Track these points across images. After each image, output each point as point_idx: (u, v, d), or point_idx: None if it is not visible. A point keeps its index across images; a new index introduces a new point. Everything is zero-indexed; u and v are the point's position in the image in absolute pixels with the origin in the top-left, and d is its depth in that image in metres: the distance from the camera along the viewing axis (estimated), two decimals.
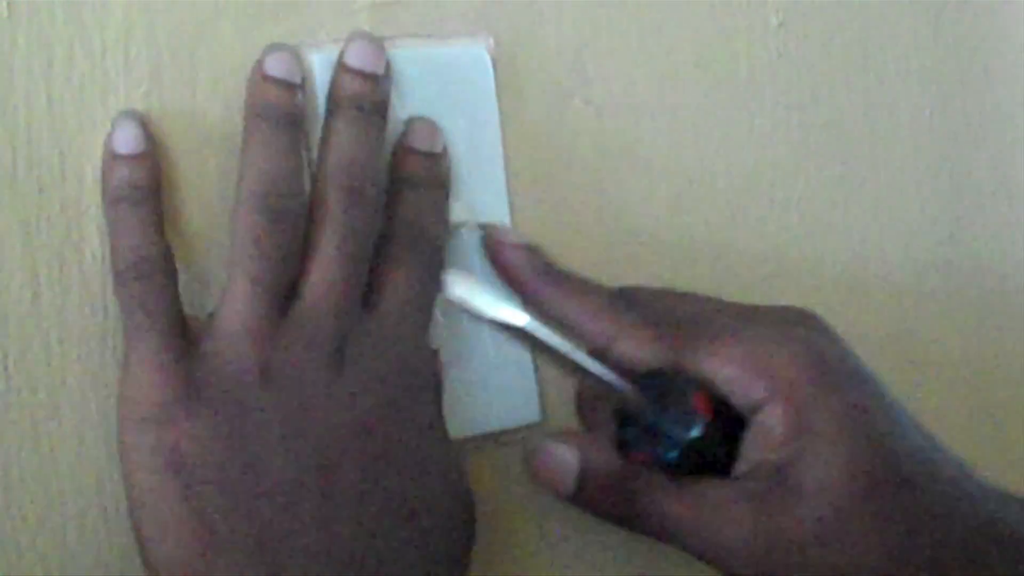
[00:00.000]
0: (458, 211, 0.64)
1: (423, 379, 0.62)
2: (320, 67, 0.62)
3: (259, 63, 0.60)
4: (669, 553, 0.73)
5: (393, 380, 0.60)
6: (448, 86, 0.65)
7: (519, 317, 0.55)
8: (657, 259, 0.72)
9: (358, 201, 0.60)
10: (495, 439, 0.67)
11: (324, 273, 0.59)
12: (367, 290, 0.61)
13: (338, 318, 0.59)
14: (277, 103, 0.59)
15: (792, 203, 0.77)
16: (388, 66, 0.62)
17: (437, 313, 0.64)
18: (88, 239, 0.58)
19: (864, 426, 0.57)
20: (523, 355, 0.68)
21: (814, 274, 0.77)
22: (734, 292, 0.73)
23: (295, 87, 0.60)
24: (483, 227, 0.64)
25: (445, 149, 0.65)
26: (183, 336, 0.57)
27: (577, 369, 0.58)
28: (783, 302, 0.72)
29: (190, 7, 0.60)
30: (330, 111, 0.61)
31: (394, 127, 0.63)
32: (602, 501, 0.60)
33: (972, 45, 0.84)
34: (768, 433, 0.57)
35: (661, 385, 0.59)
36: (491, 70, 0.66)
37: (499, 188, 0.67)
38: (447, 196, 0.65)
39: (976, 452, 0.83)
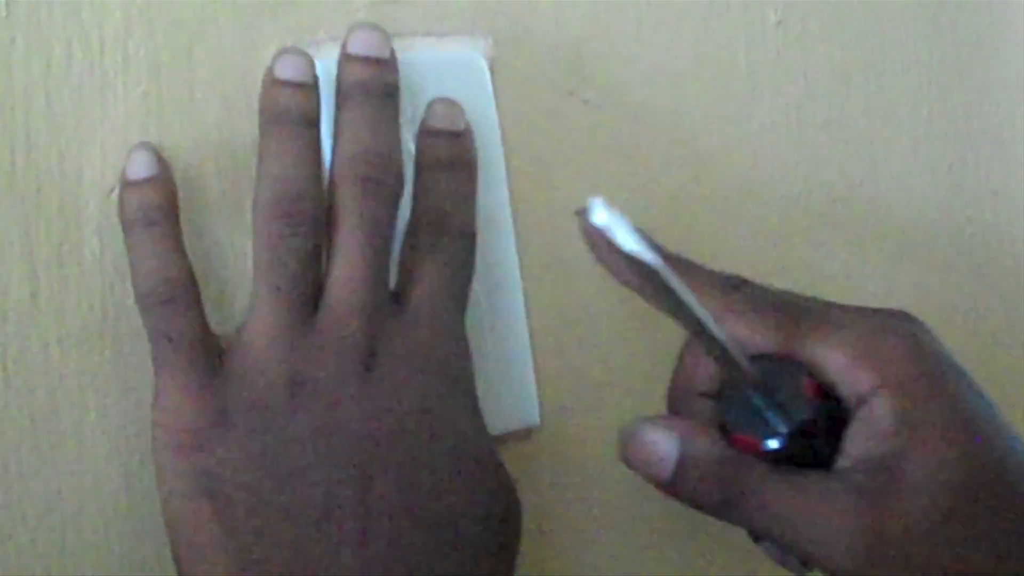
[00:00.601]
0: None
1: (459, 375, 0.60)
2: (320, 75, 0.61)
3: (269, 68, 0.59)
4: (669, 554, 0.73)
5: (428, 379, 0.58)
6: (446, 89, 0.65)
7: (655, 258, 0.54)
8: None
9: (376, 190, 0.58)
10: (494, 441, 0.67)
11: (348, 271, 0.57)
12: (397, 283, 0.60)
13: (366, 317, 0.57)
14: (289, 106, 0.58)
15: (791, 201, 0.77)
16: (393, 52, 0.61)
17: None
18: (87, 238, 0.58)
19: (971, 424, 0.56)
20: (523, 358, 0.68)
21: (814, 271, 0.77)
22: None
23: (308, 88, 0.59)
24: (578, 212, 0.62)
25: (468, 127, 0.63)
26: (211, 357, 0.57)
27: (697, 326, 0.55)
28: None
29: (189, 6, 0.60)
30: (339, 102, 0.60)
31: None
32: (700, 489, 0.57)
33: (971, 43, 0.84)
34: (876, 424, 0.55)
35: (769, 368, 0.57)
36: (488, 73, 0.66)
37: (500, 187, 0.67)
38: (475, 177, 0.63)
39: None
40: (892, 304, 0.79)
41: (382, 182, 0.58)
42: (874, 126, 0.80)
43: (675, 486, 0.57)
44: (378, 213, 0.58)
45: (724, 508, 0.57)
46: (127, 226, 0.57)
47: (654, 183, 0.72)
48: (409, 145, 0.63)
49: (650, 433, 0.57)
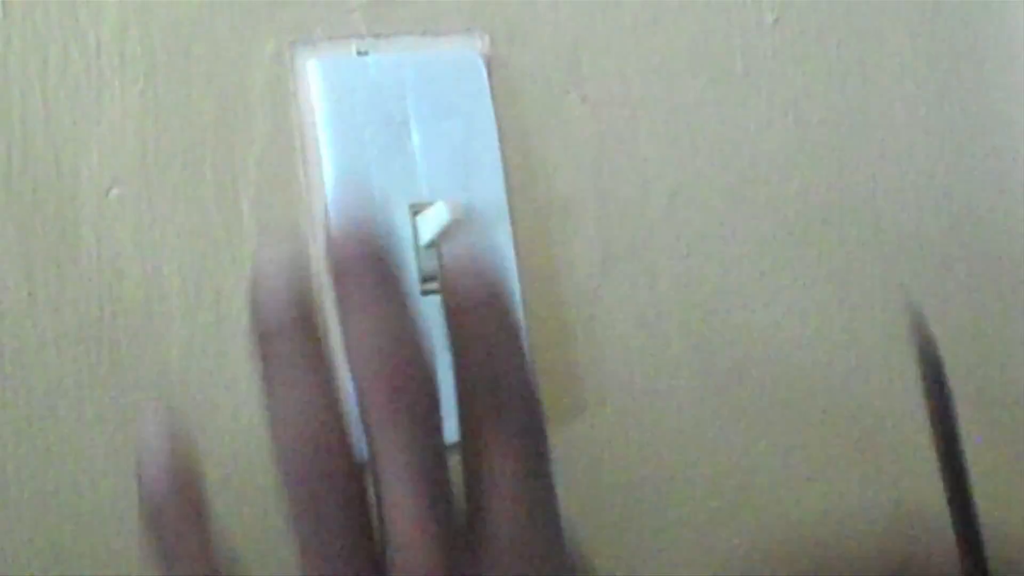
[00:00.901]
0: (455, 210, 0.64)
1: None
2: (316, 74, 0.62)
3: (254, 273, 0.46)
4: (670, 558, 0.73)
5: None
6: (443, 88, 0.65)
7: None
8: (653, 255, 0.72)
9: (408, 403, 0.46)
10: None
11: (406, 527, 0.45)
12: (463, 487, 0.48)
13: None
14: (282, 327, 0.46)
15: (787, 200, 0.77)
16: (382, 218, 0.47)
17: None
18: (84, 238, 0.58)
19: None
20: None
21: (809, 270, 0.77)
22: (729, 287, 0.73)
23: (296, 297, 0.46)
24: None
25: (489, 252, 0.48)
26: None
27: None
28: (778, 298, 0.72)
29: (185, 6, 0.60)
30: (337, 297, 0.47)
31: (395, 130, 0.63)
32: None
33: (968, 42, 0.84)
34: None
35: None
36: (484, 71, 0.66)
37: (496, 186, 0.67)
38: (516, 307, 0.49)
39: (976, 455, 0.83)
40: (891, 300, 0.79)
41: (410, 387, 0.46)
42: (871, 125, 0.80)
43: None
44: (418, 432, 0.46)
45: None
46: (147, 525, 0.47)
47: (651, 182, 0.72)
48: (410, 145, 0.63)
49: None
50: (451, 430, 0.51)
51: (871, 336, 0.79)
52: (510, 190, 0.67)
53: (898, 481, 0.80)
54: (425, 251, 0.64)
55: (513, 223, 0.67)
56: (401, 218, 0.64)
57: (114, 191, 0.58)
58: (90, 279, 0.58)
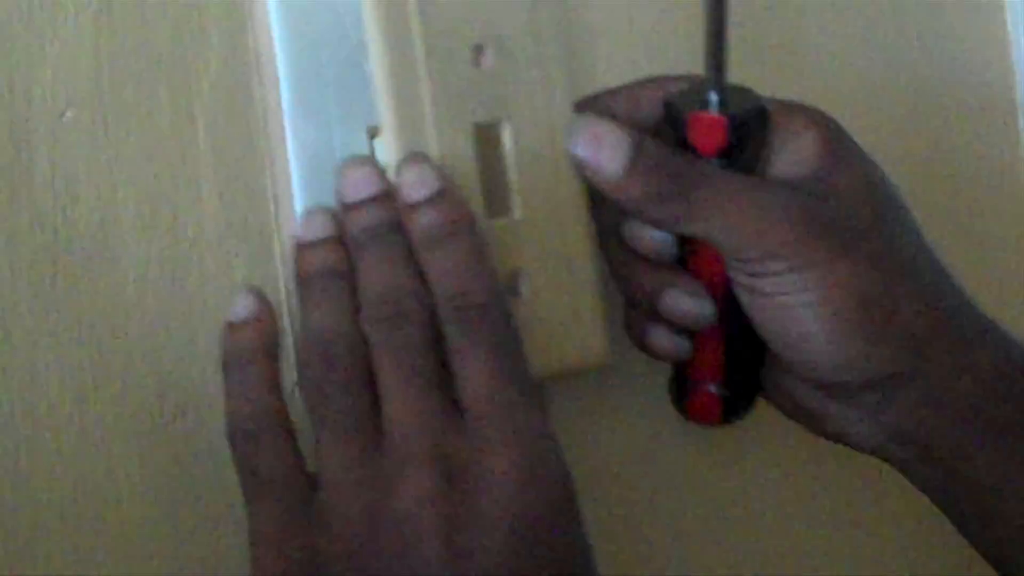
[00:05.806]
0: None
1: (545, 482, 0.55)
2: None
3: (297, 235, 0.61)
4: (667, 547, 0.71)
5: (511, 496, 0.54)
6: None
7: None
8: None
9: (403, 324, 0.57)
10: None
11: (401, 401, 0.55)
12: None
13: (430, 436, 0.54)
14: (316, 264, 0.60)
15: None
16: (386, 180, 0.61)
17: None
18: (37, 162, 0.58)
19: (877, 168, 0.65)
20: None
21: None
22: None
23: (331, 242, 0.60)
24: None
25: (446, 181, 0.60)
26: (301, 494, 0.56)
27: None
28: None
29: None
30: (352, 251, 0.60)
31: (353, 52, 0.63)
32: (653, 180, 0.60)
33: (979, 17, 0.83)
34: (806, 150, 0.63)
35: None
36: None
37: None
38: (472, 230, 0.59)
39: None
40: None
41: (407, 313, 0.57)
42: (869, 111, 0.79)
43: (628, 181, 0.61)
44: (411, 341, 0.56)
45: (675, 202, 0.61)
46: (223, 367, 0.59)
47: None
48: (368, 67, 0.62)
49: (603, 123, 0.62)
50: None
51: None
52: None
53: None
54: None
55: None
56: (358, 140, 0.63)
57: (68, 113, 0.58)
58: (44, 202, 0.58)
